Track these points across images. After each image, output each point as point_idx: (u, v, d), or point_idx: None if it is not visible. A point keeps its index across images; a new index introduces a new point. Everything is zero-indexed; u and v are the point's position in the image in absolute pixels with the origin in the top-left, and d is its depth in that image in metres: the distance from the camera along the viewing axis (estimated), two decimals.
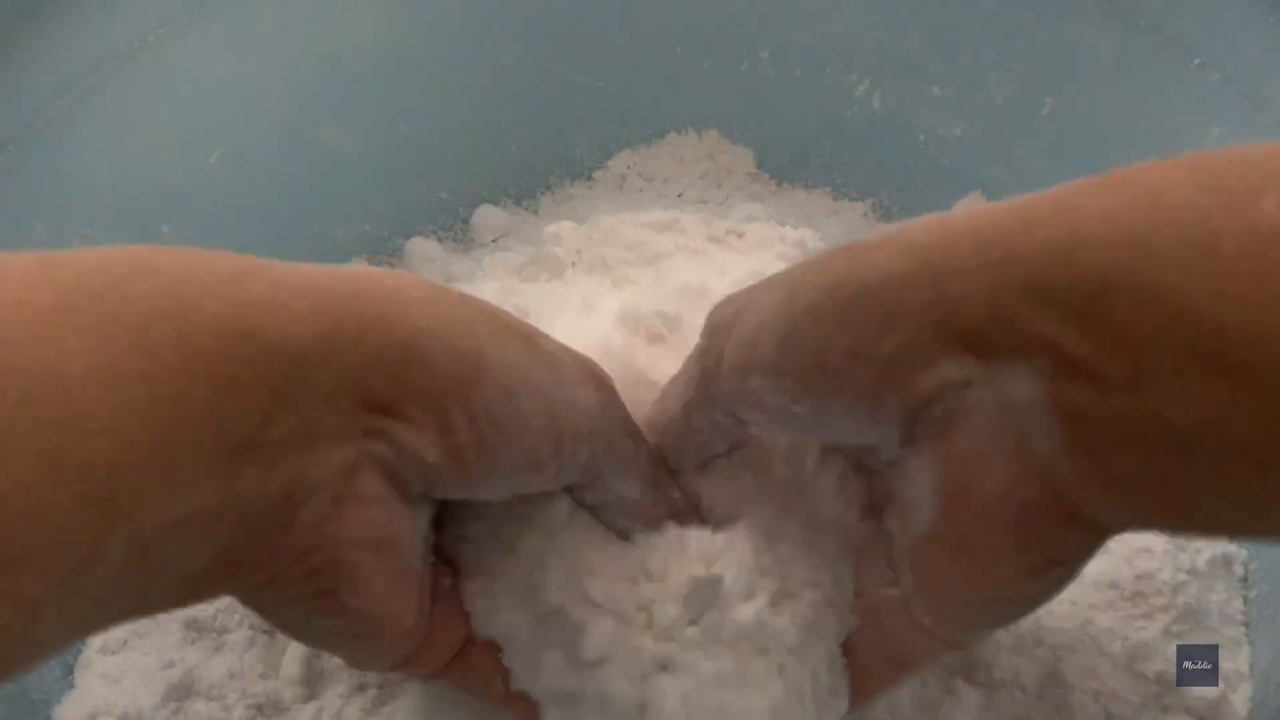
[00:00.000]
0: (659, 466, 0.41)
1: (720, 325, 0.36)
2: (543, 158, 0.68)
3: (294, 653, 0.48)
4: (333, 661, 0.48)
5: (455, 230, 0.66)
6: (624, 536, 0.40)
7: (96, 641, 0.51)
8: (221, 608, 0.50)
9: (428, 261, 0.64)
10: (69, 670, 0.50)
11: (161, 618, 0.50)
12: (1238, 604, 0.50)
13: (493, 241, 0.66)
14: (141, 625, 0.51)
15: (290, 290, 0.30)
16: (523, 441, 0.35)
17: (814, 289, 0.32)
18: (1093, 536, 0.31)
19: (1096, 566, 0.50)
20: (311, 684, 0.48)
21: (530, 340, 0.36)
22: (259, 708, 0.47)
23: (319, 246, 0.63)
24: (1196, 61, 0.55)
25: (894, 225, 0.32)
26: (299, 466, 0.30)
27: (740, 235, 0.55)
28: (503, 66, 0.65)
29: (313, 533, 0.31)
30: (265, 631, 0.50)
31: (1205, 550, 0.50)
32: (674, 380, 0.40)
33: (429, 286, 0.34)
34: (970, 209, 0.30)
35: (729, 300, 0.37)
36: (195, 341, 0.28)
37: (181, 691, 0.48)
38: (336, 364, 0.31)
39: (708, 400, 0.37)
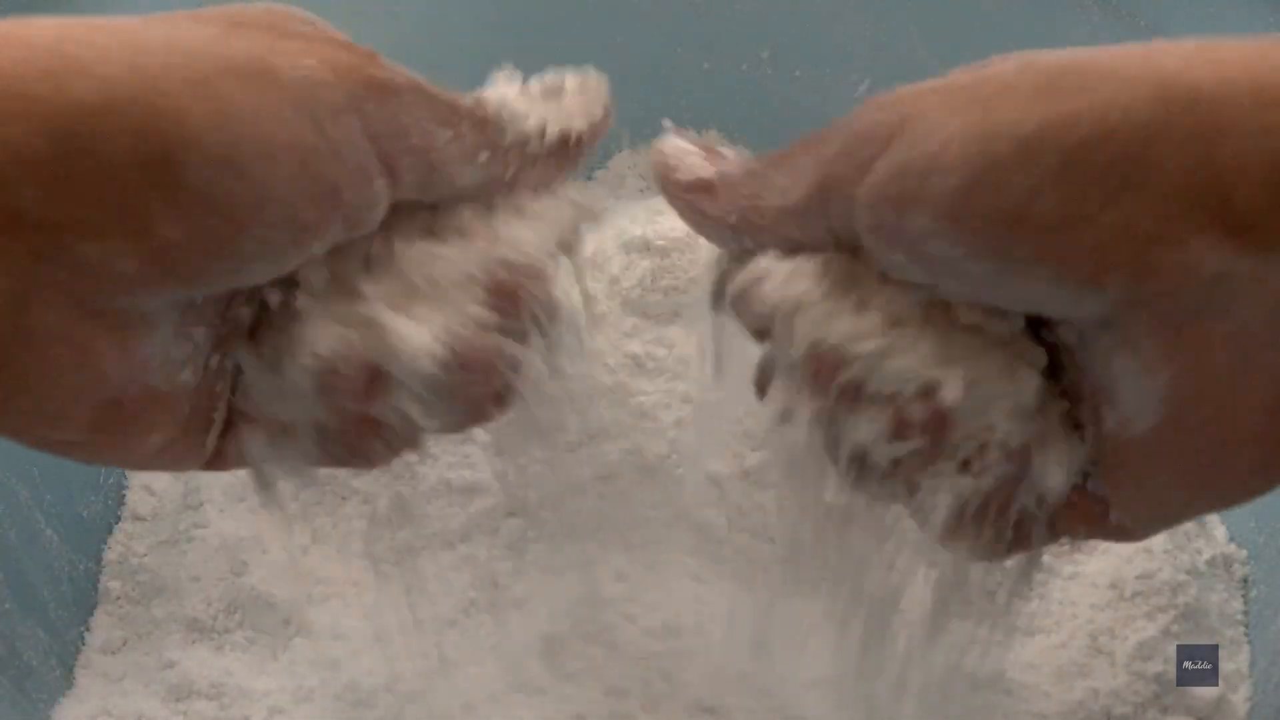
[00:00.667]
0: (491, 126, 0.32)
1: (872, 133, 0.28)
2: None
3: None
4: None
5: None
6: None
7: (96, 641, 0.51)
8: (222, 608, 0.50)
9: None
10: (69, 670, 0.50)
11: (161, 618, 0.50)
12: (1238, 604, 0.50)
13: None
14: (143, 626, 0.51)
15: None
16: (266, 216, 0.26)
17: (1023, 120, 0.25)
18: None
19: (1096, 566, 0.50)
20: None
21: (264, 71, 0.26)
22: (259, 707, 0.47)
23: None
24: None
25: (1129, 47, 0.26)
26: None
27: None
28: (502, 66, 0.65)
29: None
30: (265, 632, 0.50)
31: (1205, 550, 0.50)
32: (775, 163, 0.32)
33: (112, 29, 0.26)
34: (1238, 42, 0.25)
35: (884, 103, 0.29)
36: None
37: (181, 691, 0.48)
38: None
39: (820, 214, 0.30)
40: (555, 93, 0.34)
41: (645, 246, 0.56)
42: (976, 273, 0.27)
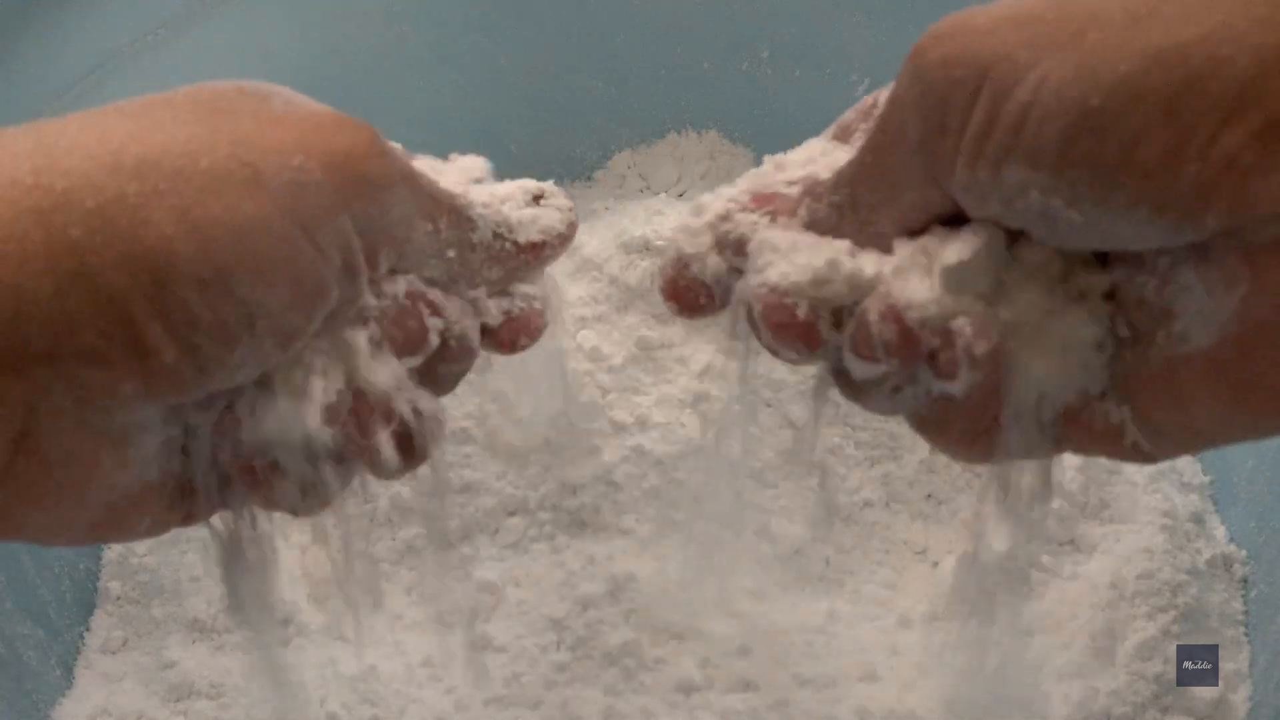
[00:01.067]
0: (466, 221, 0.32)
1: (950, 96, 0.26)
2: (543, 158, 0.68)
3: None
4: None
5: None
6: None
7: (96, 641, 0.51)
8: (222, 608, 0.50)
9: None
10: (69, 670, 0.50)
11: (161, 618, 0.50)
12: (1237, 604, 0.49)
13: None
14: (143, 626, 0.51)
15: None
16: (258, 329, 0.26)
17: (1123, 56, 0.24)
18: None
19: (1096, 566, 0.50)
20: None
21: (251, 179, 0.26)
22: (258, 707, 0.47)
23: None
24: None
25: None
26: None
27: None
28: (502, 67, 0.65)
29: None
30: (265, 632, 0.50)
31: (1205, 551, 0.50)
32: (845, 182, 0.30)
33: (87, 149, 0.25)
34: None
35: (953, 57, 0.26)
36: None
37: (181, 691, 0.48)
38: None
39: (921, 183, 0.28)
40: (531, 198, 0.35)
41: (645, 246, 0.56)
42: (1074, 219, 0.26)
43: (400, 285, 0.30)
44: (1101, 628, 0.47)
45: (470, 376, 0.33)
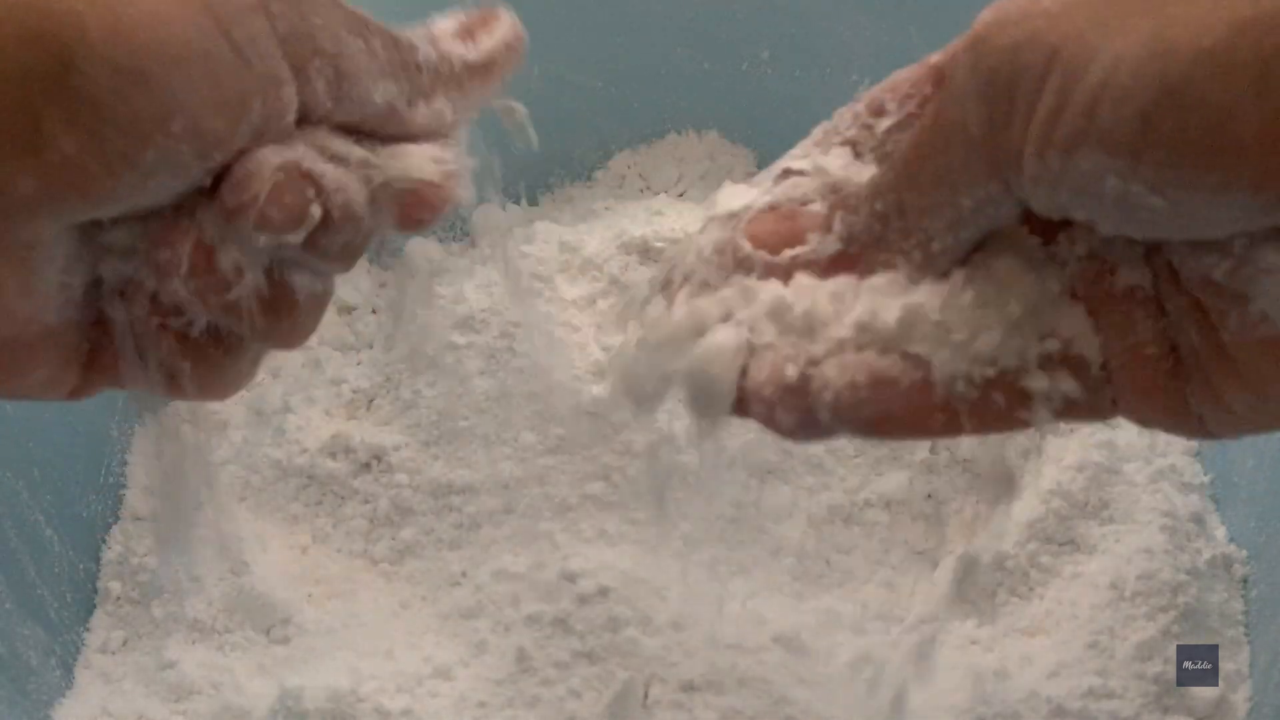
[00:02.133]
0: (403, 44, 0.30)
1: (1019, 73, 0.25)
2: (543, 157, 0.68)
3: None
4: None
5: (456, 230, 0.66)
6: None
7: (96, 641, 0.51)
8: (221, 609, 0.50)
9: (428, 262, 0.64)
10: (69, 670, 0.50)
11: (161, 618, 0.50)
12: (1238, 604, 0.49)
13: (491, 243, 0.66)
14: (143, 626, 0.51)
15: None
16: (171, 128, 0.24)
17: (1206, 29, 0.22)
18: None
19: (1096, 566, 0.50)
20: None
21: None
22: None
23: None
24: None
25: None
26: None
27: None
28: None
29: None
30: (264, 632, 0.50)
31: (1205, 551, 0.50)
32: (898, 184, 0.28)
33: None
34: None
35: (1021, 41, 0.25)
36: None
37: (181, 691, 0.48)
38: None
39: (984, 177, 0.26)
40: (472, 26, 0.33)
41: (644, 248, 0.56)
42: (1155, 205, 0.24)
43: (297, 150, 0.27)
44: (1101, 628, 0.47)
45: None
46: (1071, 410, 0.28)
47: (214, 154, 0.25)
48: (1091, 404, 0.28)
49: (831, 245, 0.29)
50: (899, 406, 0.28)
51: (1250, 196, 0.23)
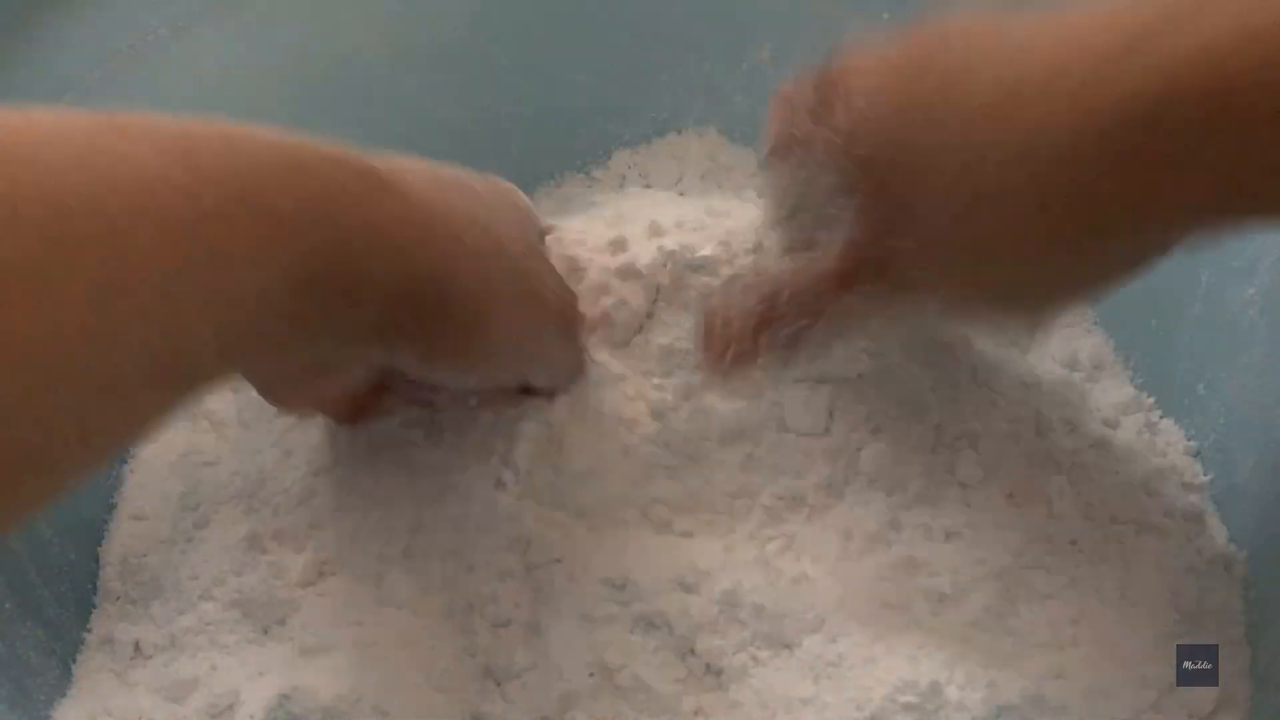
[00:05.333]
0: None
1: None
2: (543, 157, 0.68)
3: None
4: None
5: None
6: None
7: (96, 641, 0.51)
8: (221, 608, 0.50)
9: None
10: (69, 670, 0.50)
11: (161, 617, 0.50)
12: (1238, 605, 0.49)
13: None
14: (143, 625, 0.51)
15: (393, 225, 0.37)
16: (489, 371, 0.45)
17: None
18: None
19: (1097, 566, 0.50)
20: None
21: (531, 291, 0.44)
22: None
23: None
24: None
25: None
26: (324, 352, 0.39)
27: None
28: (502, 66, 0.65)
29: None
30: (264, 631, 0.50)
31: (1206, 551, 0.50)
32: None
33: (472, 231, 0.41)
34: None
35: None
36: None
37: (181, 691, 0.48)
38: (381, 293, 0.37)
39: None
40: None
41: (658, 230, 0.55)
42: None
43: None
44: (1102, 628, 0.47)
45: None
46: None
47: (501, 384, 0.48)
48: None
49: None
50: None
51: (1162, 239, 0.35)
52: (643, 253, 0.51)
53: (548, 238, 0.52)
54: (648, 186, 0.67)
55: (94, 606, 0.52)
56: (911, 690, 0.45)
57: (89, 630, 0.51)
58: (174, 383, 0.31)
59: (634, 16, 0.66)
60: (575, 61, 0.66)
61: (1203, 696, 0.46)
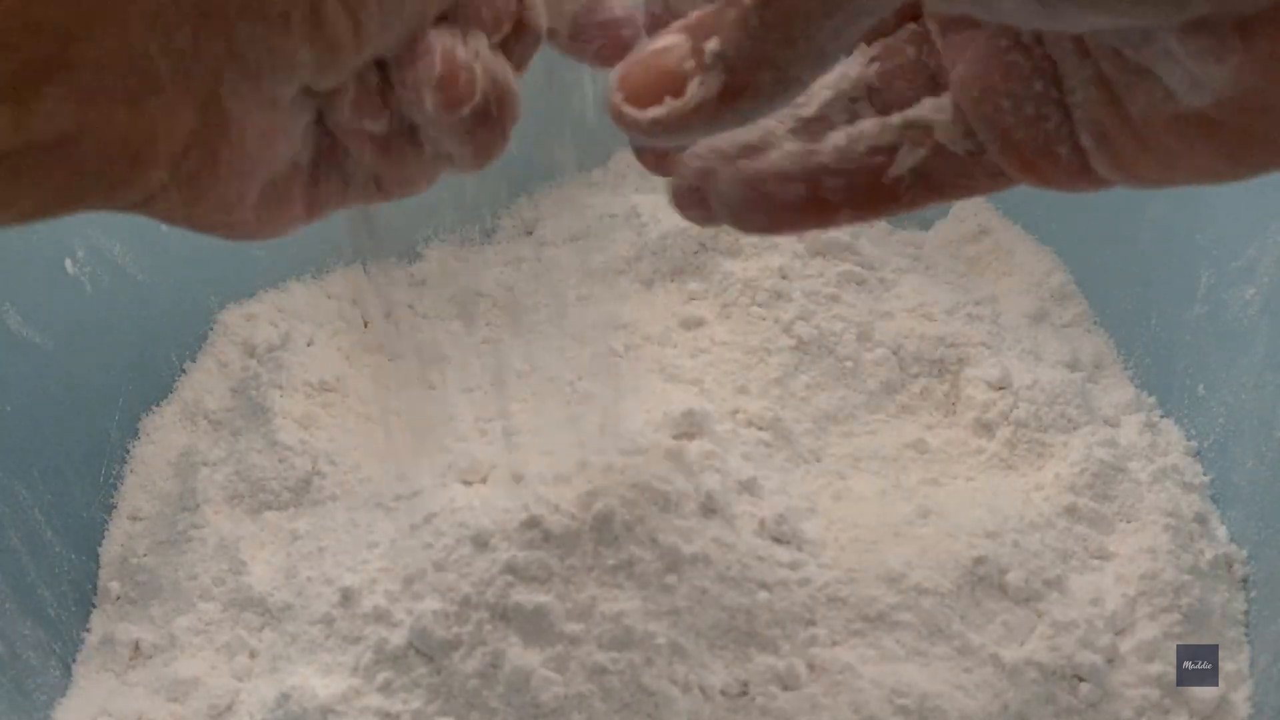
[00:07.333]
0: None
1: None
2: (542, 157, 0.68)
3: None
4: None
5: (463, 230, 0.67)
6: None
7: (96, 640, 0.51)
8: (221, 609, 0.50)
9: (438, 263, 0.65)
10: (69, 670, 0.50)
11: (160, 617, 0.50)
12: (1239, 605, 0.49)
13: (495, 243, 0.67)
14: (143, 625, 0.51)
15: None
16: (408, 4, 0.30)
17: None
18: None
19: (1098, 566, 0.50)
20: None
21: None
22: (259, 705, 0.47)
23: (331, 250, 0.63)
24: None
25: None
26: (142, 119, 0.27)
27: None
28: None
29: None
30: (262, 631, 0.50)
31: (1207, 551, 0.50)
32: None
33: None
34: None
35: None
36: None
37: (181, 691, 0.48)
38: None
39: None
40: None
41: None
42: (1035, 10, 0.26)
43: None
44: (1103, 628, 0.47)
45: None
46: (945, 179, 0.31)
47: (430, 12, 0.31)
48: (962, 175, 0.31)
49: (716, 81, 0.27)
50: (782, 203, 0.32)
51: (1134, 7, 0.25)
52: None
53: None
54: (648, 185, 0.67)
55: (94, 606, 0.52)
56: None
57: (89, 630, 0.51)
58: None
59: None
60: (575, 62, 0.66)
61: (1203, 696, 0.46)
